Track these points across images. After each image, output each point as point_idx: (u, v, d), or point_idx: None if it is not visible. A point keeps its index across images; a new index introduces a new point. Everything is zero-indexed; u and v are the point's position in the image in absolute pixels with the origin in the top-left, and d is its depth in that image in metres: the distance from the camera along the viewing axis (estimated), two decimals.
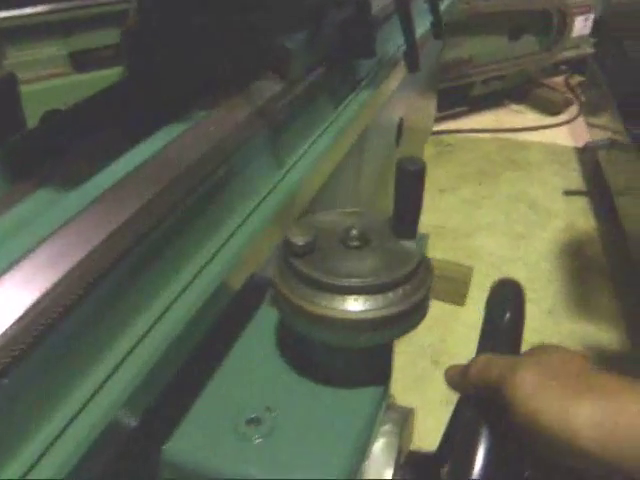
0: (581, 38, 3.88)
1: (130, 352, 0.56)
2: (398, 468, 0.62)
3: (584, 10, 3.77)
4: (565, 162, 3.26)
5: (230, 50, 0.90)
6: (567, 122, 3.72)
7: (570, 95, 3.95)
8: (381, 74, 1.12)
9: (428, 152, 3.33)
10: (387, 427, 0.62)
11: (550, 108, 3.82)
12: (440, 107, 3.93)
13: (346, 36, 0.97)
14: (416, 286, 0.57)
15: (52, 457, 0.47)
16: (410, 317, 0.56)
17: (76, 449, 0.48)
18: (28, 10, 2.37)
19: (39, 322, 0.46)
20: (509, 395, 0.50)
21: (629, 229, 2.34)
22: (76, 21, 2.50)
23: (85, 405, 0.51)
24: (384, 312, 0.54)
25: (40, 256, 0.52)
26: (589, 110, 3.29)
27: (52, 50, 2.49)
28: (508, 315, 0.63)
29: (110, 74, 2.52)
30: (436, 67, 1.89)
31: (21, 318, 0.46)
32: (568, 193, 2.96)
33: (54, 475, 0.46)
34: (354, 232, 0.59)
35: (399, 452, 0.63)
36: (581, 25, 3.81)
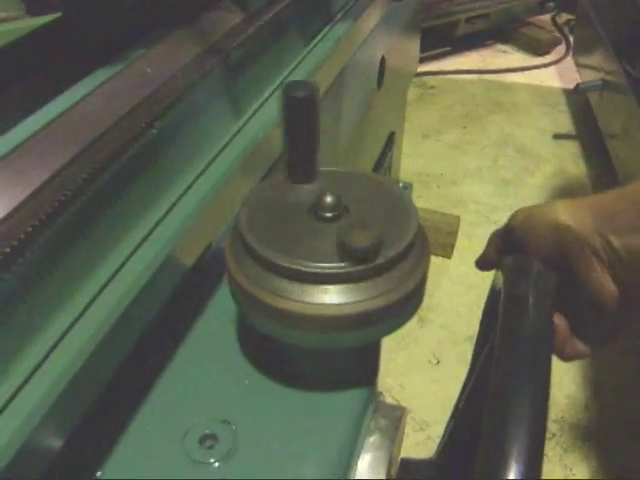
0: None
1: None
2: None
3: None
4: (553, 104, 3.13)
5: None
6: (555, 62, 3.58)
7: (558, 34, 3.81)
8: (360, 5, 0.97)
9: (410, 95, 3.17)
10: (375, 438, 0.50)
11: (537, 48, 3.68)
12: (422, 48, 3.74)
13: None
14: (410, 268, 0.44)
15: None
16: (403, 309, 0.44)
17: None
18: None
19: None
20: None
21: (622, 174, 2.23)
22: None
23: None
24: (369, 305, 0.41)
25: None
26: (579, 50, 3.14)
27: None
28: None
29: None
30: (419, 2, 1.73)
31: None
32: (557, 137, 2.83)
33: None
34: (328, 199, 0.46)
35: (390, 465, 0.51)
36: None
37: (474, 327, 0.63)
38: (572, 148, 2.75)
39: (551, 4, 3.86)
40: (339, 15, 0.94)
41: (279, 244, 0.43)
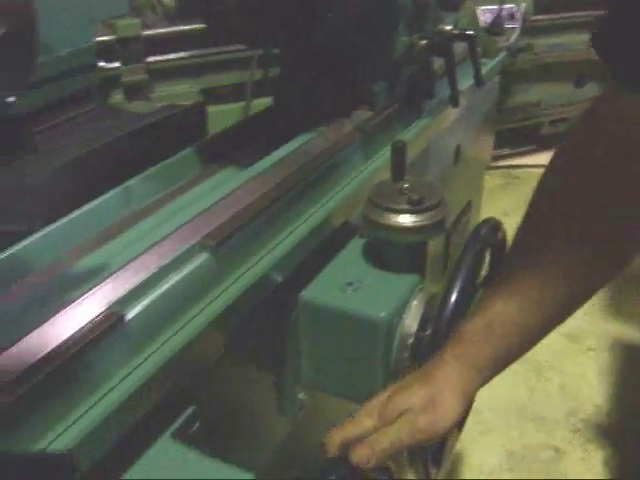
0: None
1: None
2: (423, 320, 1.13)
3: None
4: None
5: (339, 92, 1.46)
6: None
7: None
8: (438, 109, 1.66)
9: (495, 183, 3.82)
10: (420, 295, 1.14)
11: None
12: (510, 144, 4.43)
13: (414, 83, 1.52)
14: (437, 211, 1.09)
15: None
16: (436, 227, 1.09)
17: None
18: (171, 55, 3.03)
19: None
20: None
21: None
22: (207, 64, 3.16)
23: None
24: (422, 223, 1.07)
25: (235, 196, 1.08)
26: None
27: (186, 87, 3.15)
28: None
29: (233, 108, 3.17)
30: (492, 110, 2.40)
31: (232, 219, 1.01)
32: None
33: None
34: (407, 186, 1.12)
35: (424, 311, 1.14)
36: None
37: None
38: None
39: None
40: (424, 114, 1.63)
41: (388, 202, 1.10)
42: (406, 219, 1.08)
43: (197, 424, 0.88)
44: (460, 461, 2.09)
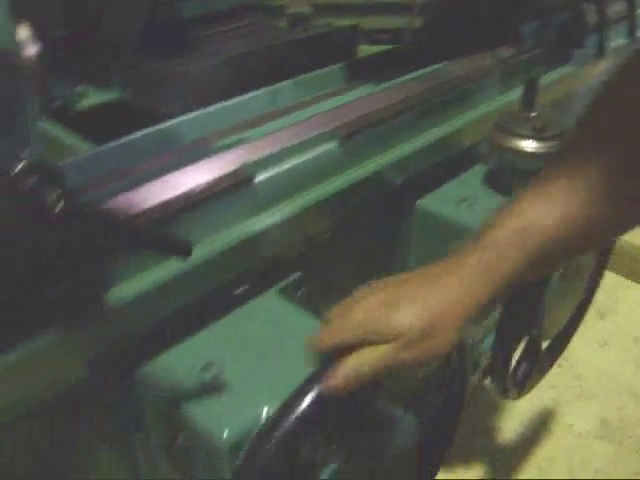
0: None
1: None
2: None
3: None
4: None
5: (488, 28, 1.50)
6: None
7: None
8: (584, 60, 1.66)
9: None
10: None
11: None
12: None
13: (565, 29, 1.54)
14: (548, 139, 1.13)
15: None
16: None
17: None
18: None
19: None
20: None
21: None
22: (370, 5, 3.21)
23: None
24: (543, 149, 1.12)
25: (371, 99, 1.16)
26: None
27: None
28: None
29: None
30: None
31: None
32: None
33: None
34: (533, 116, 1.17)
35: None
36: None
37: None
38: None
39: None
40: (571, 61, 1.63)
41: (514, 127, 1.15)
42: (528, 144, 1.13)
43: (302, 289, 0.99)
44: (553, 419, 2.11)
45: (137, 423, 0.87)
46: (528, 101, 1.20)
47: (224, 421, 0.74)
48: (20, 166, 0.54)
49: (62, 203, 0.53)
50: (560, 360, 1.61)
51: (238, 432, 0.72)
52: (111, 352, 0.77)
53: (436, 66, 1.37)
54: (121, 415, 0.88)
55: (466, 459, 1.98)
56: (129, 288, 0.77)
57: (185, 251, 0.60)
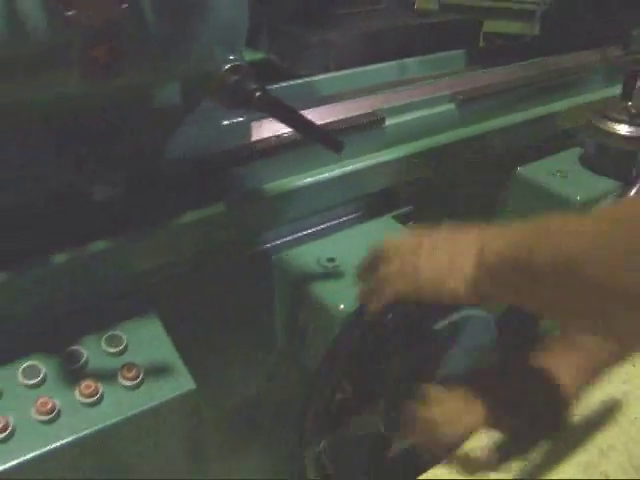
0: None
1: None
2: None
3: None
4: None
5: (599, 29, 1.65)
6: None
7: None
8: None
9: None
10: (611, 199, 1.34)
11: None
12: None
13: None
14: None
15: None
16: None
17: None
18: None
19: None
20: None
21: None
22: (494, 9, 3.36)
23: None
24: (634, 134, 1.27)
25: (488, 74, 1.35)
26: None
27: None
28: None
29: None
30: None
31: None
32: None
33: None
34: (630, 104, 1.32)
35: None
36: None
37: None
38: None
39: None
40: None
41: (610, 111, 1.30)
42: (622, 128, 1.29)
43: (411, 222, 1.18)
44: (620, 410, 2.20)
45: (266, 303, 1.09)
46: (627, 91, 1.35)
47: (341, 298, 0.95)
48: (227, 66, 0.77)
49: (259, 93, 0.74)
50: (635, 359, 1.73)
51: (351, 307, 0.92)
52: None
53: (548, 58, 1.54)
54: (255, 294, 1.10)
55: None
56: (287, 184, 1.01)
57: (337, 147, 0.81)
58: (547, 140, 1.43)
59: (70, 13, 0.63)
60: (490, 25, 3.34)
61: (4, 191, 0.81)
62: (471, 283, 0.69)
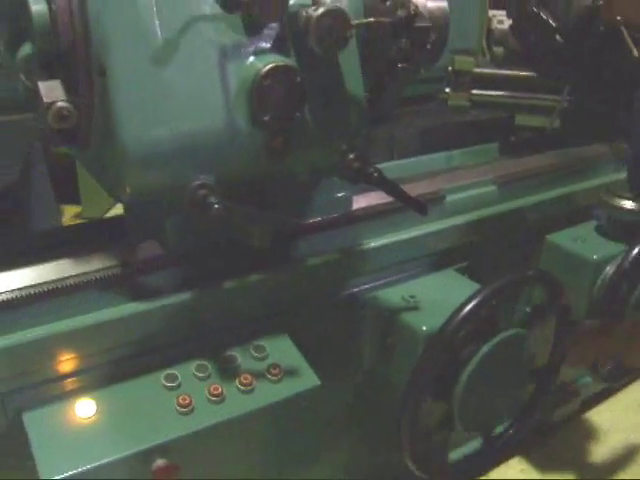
0: None
1: None
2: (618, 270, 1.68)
3: None
4: None
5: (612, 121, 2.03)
6: None
7: None
8: None
9: None
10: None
11: None
12: None
13: None
14: None
15: None
16: None
17: None
18: (491, 92, 3.68)
19: None
20: None
21: None
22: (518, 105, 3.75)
23: None
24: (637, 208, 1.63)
25: (515, 162, 1.73)
26: None
27: None
28: None
29: None
30: None
31: None
32: None
33: None
34: None
35: (619, 266, 1.69)
36: None
37: None
38: None
39: None
40: None
41: (617, 190, 1.67)
42: (627, 203, 1.65)
43: (465, 275, 1.54)
44: None
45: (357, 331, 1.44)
46: (634, 178, 1.72)
47: (423, 322, 1.30)
48: (351, 156, 1.15)
49: (377, 174, 1.12)
50: None
51: (432, 329, 1.28)
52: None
53: (568, 149, 1.92)
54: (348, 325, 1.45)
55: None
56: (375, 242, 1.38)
57: (422, 209, 1.18)
58: (569, 214, 1.79)
59: (266, 118, 1.02)
60: (520, 118, 3.76)
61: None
62: None
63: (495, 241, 1.61)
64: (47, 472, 1.01)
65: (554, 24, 1.93)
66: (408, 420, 1.24)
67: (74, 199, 3.61)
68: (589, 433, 2.36)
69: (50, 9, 0.94)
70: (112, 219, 1.48)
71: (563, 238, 1.71)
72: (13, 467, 1.13)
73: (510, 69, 3.56)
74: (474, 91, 3.57)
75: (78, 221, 3.64)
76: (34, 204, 2.42)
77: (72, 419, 1.09)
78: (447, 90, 3.23)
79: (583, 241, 1.70)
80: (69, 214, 3.74)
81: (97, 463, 1.03)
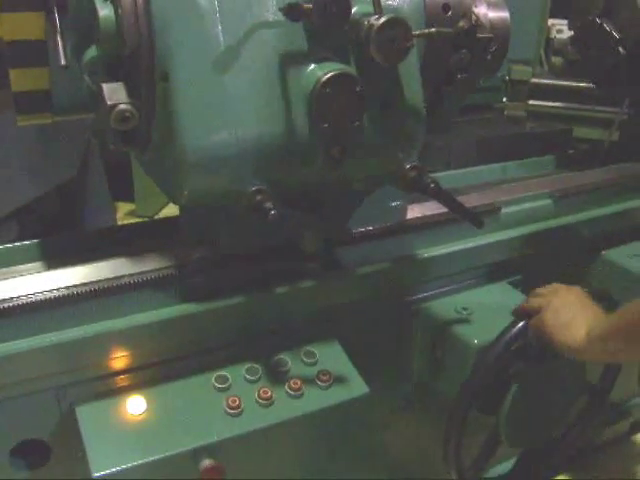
0: None
1: None
2: None
3: None
4: None
5: None
6: None
7: None
8: None
9: None
10: None
11: None
12: None
13: None
14: None
15: None
16: None
17: None
18: (549, 102, 3.64)
19: None
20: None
21: None
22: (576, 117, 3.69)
23: None
24: None
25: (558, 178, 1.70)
26: None
27: None
28: None
29: None
30: None
31: None
32: None
33: None
34: None
35: None
36: None
37: None
38: None
39: None
40: None
41: None
42: None
43: (519, 287, 1.52)
44: None
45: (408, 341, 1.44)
46: None
47: (475, 335, 1.30)
48: (408, 165, 1.14)
49: (433, 185, 1.12)
50: None
51: (484, 342, 1.27)
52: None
53: (627, 163, 1.89)
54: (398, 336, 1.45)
55: None
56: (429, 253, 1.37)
57: (479, 223, 1.17)
58: (624, 230, 1.76)
59: (325, 126, 1.03)
60: (579, 131, 3.70)
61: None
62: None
63: (549, 255, 1.59)
64: (97, 466, 1.03)
65: (617, 35, 1.89)
66: (455, 433, 1.23)
67: (128, 196, 3.69)
68: (638, 455, 2.33)
69: (116, 14, 0.96)
70: (167, 219, 1.50)
71: (619, 255, 1.68)
72: (67, 458, 1.15)
73: (568, 80, 3.51)
74: (531, 101, 3.54)
75: (132, 218, 3.72)
76: (90, 200, 2.48)
77: (123, 415, 1.11)
78: (504, 100, 3.21)
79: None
80: (122, 211, 3.83)
81: (145, 460, 1.05)
